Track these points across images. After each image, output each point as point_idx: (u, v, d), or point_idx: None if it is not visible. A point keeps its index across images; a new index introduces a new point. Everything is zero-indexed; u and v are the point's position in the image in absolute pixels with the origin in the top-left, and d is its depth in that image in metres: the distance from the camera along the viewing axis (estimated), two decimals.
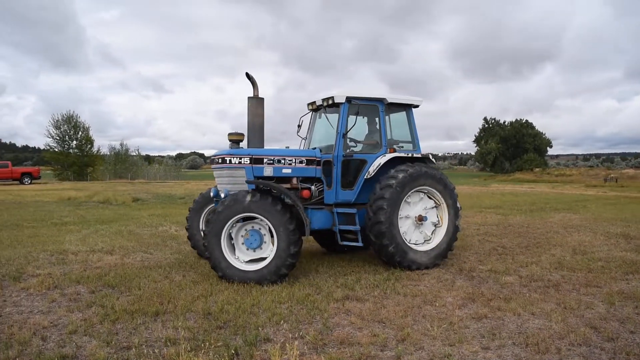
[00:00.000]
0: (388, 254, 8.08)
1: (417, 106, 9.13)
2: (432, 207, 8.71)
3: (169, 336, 5.09)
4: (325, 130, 9.13)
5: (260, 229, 7.64)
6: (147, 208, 20.19)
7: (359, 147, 8.77)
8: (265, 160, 8.27)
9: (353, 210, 8.26)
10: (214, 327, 5.39)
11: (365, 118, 9.19)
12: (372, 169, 8.34)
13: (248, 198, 7.45)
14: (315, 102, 9.12)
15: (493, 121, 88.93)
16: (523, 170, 72.21)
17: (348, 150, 8.46)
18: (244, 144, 8.54)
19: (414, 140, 9.10)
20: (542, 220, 15.56)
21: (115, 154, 63.54)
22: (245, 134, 8.52)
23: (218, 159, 8.26)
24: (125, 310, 5.91)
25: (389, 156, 8.46)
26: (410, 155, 8.72)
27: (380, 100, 8.71)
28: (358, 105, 8.34)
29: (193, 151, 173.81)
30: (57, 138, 56.08)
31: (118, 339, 5.07)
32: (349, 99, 8.40)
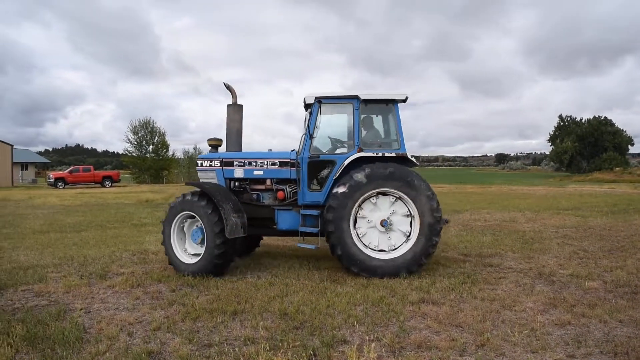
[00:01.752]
0: (338, 256, 7.91)
1: (402, 101, 8.44)
2: (406, 215, 7.98)
3: (247, 335, 5.20)
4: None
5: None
6: None
7: (342, 148, 8.64)
8: (235, 163, 8.88)
9: (315, 212, 8.19)
10: (291, 328, 5.46)
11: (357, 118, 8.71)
12: (338, 170, 8.12)
13: (187, 198, 8.16)
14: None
15: (569, 119, 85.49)
16: (602, 170, 68.78)
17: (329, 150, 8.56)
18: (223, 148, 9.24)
19: (398, 138, 8.36)
20: (625, 222, 14.76)
21: (189, 157, 65.55)
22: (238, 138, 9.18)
23: (196, 162, 9.27)
24: (205, 309, 6.09)
25: (353, 156, 8.10)
26: (380, 154, 8.16)
27: (354, 98, 8.32)
28: (319, 105, 8.30)
29: None
30: (135, 143, 58.41)
31: (199, 337, 5.24)
32: (318, 99, 8.32)
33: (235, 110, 9.12)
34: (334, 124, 9.00)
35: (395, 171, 7.84)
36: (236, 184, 9.10)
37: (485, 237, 11.90)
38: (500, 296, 6.68)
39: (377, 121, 8.98)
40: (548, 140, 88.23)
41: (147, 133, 58.15)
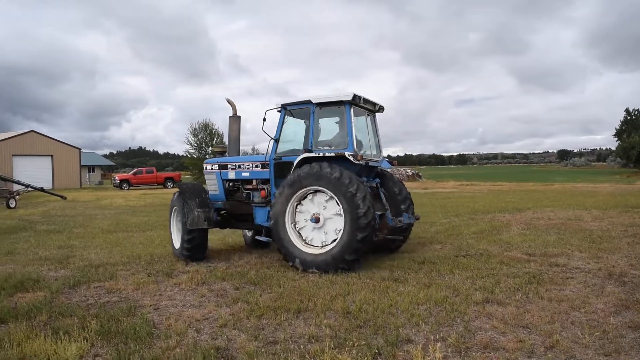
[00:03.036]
0: (279, 250, 8.66)
1: (350, 102, 8.67)
2: (338, 213, 8.19)
3: (312, 333, 5.25)
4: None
5: None
6: None
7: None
8: (229, 166, 10.09)
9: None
10: (355, 326, 5.48)
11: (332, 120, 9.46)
12: (292, 170, 8.72)
13: (175, 196, 9.88)
14: None
15: (637, 112, 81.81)
16: None
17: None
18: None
19: (346, 139, 8.64)
20: None
21: None
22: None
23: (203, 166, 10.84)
24: (268, 307, 6.19)
25: (300, 157, 8.70)
26: (321, 154, 8.56)
27: (309, 103, 8.91)
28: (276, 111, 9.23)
29: None
30: (195, 145, 59.64)
31: (264, 334, 5.33)
32: (284, 106, 9.21)
33: (234, 121, 10.37)
34: (302, 128, 9.75)
35: (324, 172, 8.13)
36: (231, 184, 10.20)
37: (550, 236, 11.56)
38: (569, 297, 6.47)
39: (332, 123, 9.40)
40: (614, 135, 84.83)
41: (207, 135, 59.23)
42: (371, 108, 9.62)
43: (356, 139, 8.69)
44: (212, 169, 10.40)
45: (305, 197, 8.49)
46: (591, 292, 6.74)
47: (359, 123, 9.30)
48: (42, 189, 28.65)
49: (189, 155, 60.39)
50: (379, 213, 8.85)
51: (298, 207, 8.55)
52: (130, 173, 53.26)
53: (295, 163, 8.70)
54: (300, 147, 9.23)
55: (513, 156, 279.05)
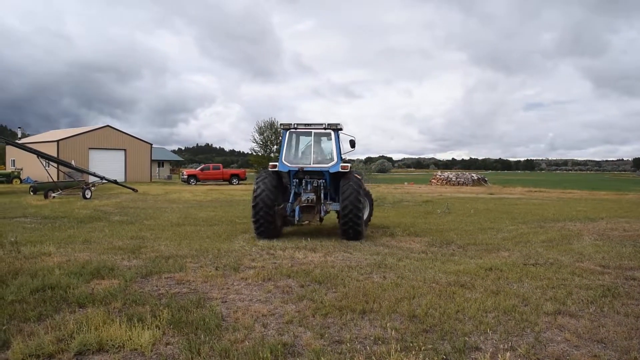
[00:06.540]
0: None
1: (282, 128, 12.92)
2: None
3: (377, 335, 5.25)
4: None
5: None
6: None
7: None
8: None
9: None
10: (420, 330, 5.43)
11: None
12: None
13: None
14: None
15: None
16: None
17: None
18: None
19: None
20: None
21: None
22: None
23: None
24: (334, 306, 6.22)
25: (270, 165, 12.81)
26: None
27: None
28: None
29: (381, 155, 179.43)
30: (260, 143, 60.56)
31: (330, 333, 5.36)
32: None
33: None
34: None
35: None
36: None
37: (625, 248, 11.01)
38: None
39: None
40: None
41: (272, 133, 60.05)
42: (320, 129, 12.61)
43: (293, 152, 12.92)
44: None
45: None
46: None
47: (305, 140, 13.20)
48: (115, 182, 29.91)
49: (254, 153, 61.36)
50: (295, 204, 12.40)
51: None
52: (197, 169, 54.63)
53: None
54: None
55: (584, 163, 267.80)
